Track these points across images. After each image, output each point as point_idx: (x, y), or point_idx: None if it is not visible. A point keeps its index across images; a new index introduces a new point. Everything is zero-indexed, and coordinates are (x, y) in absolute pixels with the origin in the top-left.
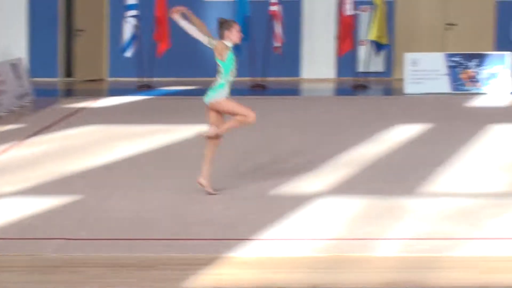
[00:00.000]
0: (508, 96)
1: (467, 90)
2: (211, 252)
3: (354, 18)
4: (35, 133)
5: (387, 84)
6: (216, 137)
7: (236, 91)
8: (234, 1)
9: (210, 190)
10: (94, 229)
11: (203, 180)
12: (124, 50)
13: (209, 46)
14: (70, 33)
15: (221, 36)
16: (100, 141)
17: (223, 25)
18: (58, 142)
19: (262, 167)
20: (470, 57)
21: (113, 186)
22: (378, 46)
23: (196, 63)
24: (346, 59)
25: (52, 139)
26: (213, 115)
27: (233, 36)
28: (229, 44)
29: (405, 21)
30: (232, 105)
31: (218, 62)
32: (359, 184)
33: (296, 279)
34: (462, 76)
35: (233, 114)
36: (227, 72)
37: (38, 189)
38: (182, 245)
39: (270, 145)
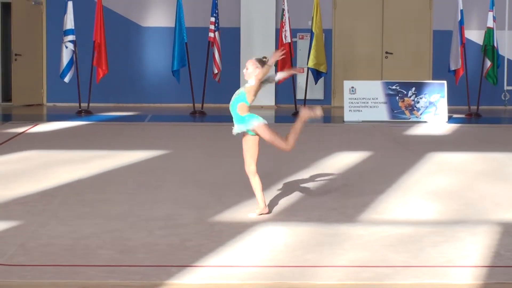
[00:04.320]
0: (445, 124)
1: (405, 119)
2: (152, 278)
3: (292, 45)
4: None
5: (326, 111)
6: None
7: (175, 118)
8: (173, 27)
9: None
10: (34, 255)
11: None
12: (62, 75)
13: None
14: (7, 57)
15: None
16: (39, 167)
17: None
18: None
19: (202, 194)
20: (408, 85)
21: (52, 212)
22: (316, 73)
23: (135, 89)
24: (285, 86)
25: None
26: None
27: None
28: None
29: (343, 49)
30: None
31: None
32: (299, 211)
33: None
34: (401, 104)
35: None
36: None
37: None
38: (124, 271)
39: (209, 172)
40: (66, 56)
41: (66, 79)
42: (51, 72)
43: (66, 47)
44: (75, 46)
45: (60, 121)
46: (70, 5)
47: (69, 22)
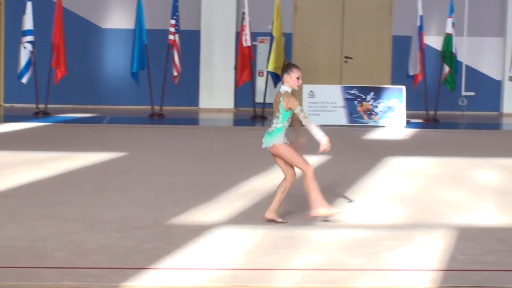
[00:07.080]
0: (402, 129)
1: (363, 123)
2: (107, 281)
3: (252, 49)
4: None
5: None
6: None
7: (134, 120)
8: (132, 29)
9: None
10: None
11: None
12: (20, 76)
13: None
14: None
15: (281, 77)
16: None
17: (285, 68)
18: None
19: (160, 197)
20: (367, 90)
21: (8, 214)
22: (276, 77)
23: (94, 91)
24: (244, 90)
25: None
26: (279, 160)
27: (292, 81)
28: (288, 89)
29: (303, 53)
30: (290, 152)
31: (280, 108)
32: (256, 214)
33: None
34: (359, 108)
35: (289, 162)
36: (285, 118)
37: None
38: (78, 273)
39: (167, 174)
40: (24, 56)
41: (24, 80)
42: (9, 73)
43: (25, 48)
44: (33, 46)
45: (18, 122)
46: (29, 5)
47: (28, 22)
